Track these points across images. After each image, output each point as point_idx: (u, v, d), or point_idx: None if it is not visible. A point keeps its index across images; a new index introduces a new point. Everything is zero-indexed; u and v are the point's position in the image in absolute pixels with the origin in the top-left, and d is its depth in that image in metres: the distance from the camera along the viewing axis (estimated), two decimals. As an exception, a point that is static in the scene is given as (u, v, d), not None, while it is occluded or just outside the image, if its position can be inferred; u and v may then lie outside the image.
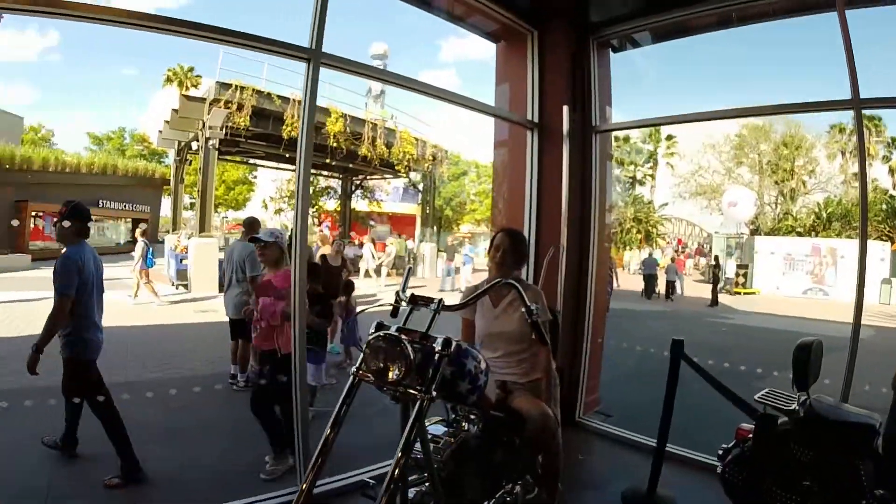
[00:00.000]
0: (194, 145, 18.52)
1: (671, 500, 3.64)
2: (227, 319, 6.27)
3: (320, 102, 17.90)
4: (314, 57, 3.51)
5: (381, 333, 1.96)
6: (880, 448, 2.48)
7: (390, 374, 1.91)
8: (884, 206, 26.88)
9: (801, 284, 21.39)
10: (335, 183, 29.38)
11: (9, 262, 17.61)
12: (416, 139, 21.68)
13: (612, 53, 5.42)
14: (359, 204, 29.45)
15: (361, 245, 20.71)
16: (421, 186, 27.42)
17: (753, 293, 21.87)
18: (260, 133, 17.84)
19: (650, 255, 22.82)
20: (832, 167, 31.76)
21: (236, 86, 16.46)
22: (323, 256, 8.27)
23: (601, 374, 5.61)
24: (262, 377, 4.14)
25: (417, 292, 2.22)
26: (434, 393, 1.92)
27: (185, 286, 14.77)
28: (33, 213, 22.32)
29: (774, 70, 34.88)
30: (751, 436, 2.83)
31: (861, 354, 3.77)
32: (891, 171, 31.10)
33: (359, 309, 7.13)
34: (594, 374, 5.41)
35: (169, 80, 33.60)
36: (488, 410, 2.52)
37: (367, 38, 43.61)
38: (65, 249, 3.78)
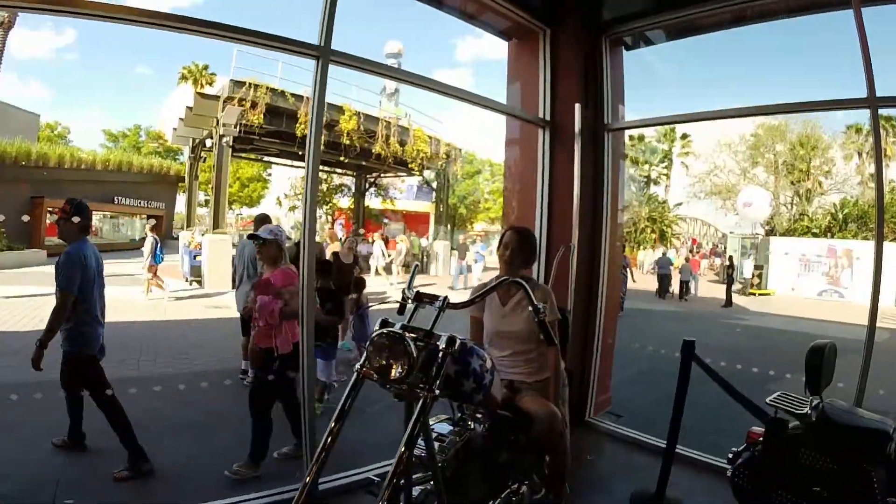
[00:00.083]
0: (209, 143, 18.61)
1: (679, 503, 3.60)
2: (238, 315, 6.29)
3: (335, 100, 18.13)
4: (323, 54, 3.52)
5: (385, 331, 1.95)
6: (894, 454, 2.44)
7: (393, 372, 1.89)
8: (901, 208, 26.47)
9: (817, 286, 21.11)
10: (349, 181, 29.42)
11: (24, 258, 17.75)
12: (430, 137, 21.65)
13: (624, 51, 5.37)
14: (372, 202, 29.49)
15: (373, 242, 20.72)
16: (435, 184, 27.41)
17: (768, 294, 21.64)
18: (274, 131, 17.89)
19: (664, 254, 22.64)
20: (848, 168, 31.35)
21: (250, 84, 16.53)
22: (335, 254, 8.29)
23: (612, 374, 5.58)
24: (258, 375, 4.15)
25: (429, 291, 2.20)
26: (437, 391, 1.90)
27: (199, 282, 14.85)
28: (49, 210, 22.50)
29: (789, 68, 34.44)
30: (761, 439, 2.80)
31: (876, 357, 3.71)
32: (908, 171, 30.61)
33: (369, 306, 7.16)
34: (605, 374, 5.37)
35: (184, 77, 33.71)
36: (494, 410, 2.50)
37: (383, 38, 43.73)
38: (67, 247, 3.82)
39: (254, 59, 22.96)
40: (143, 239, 14.07)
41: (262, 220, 6.44)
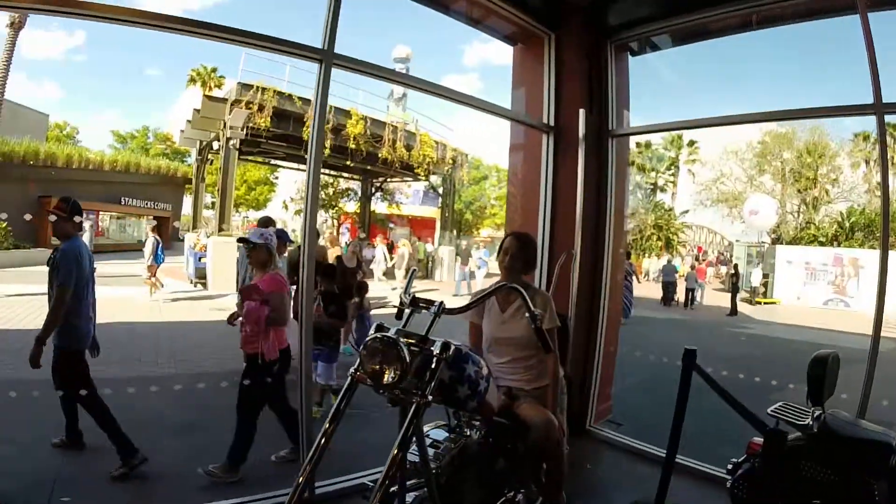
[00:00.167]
0: (215, 145, 18.70)
1: (679, 513, 3.56)
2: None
3: (343, 105, 18.14)
4: (326, 57, 3.54)
5: (379, 335, 1.93)
6: (897, 467, 2.39)
7: (386, 377, 1.88)
8: (907, 217, 26.19)
9: (823, 295, 21.00)
10: (355, 185, 29.45)
11: (30, 257, 17.80)
12: (437, 142, 21.67)
13: (630, 57, 5.35)
14: (378, 206, 29.51)
15: (376, 247, 20.72)
16: (441, 190, 27.41)
17: (774, 303, 21.53)
18: (280, 134, 17.90)
19: (669, 261, 22.56)
20: (856, 176, 31.14)
21: (258, 87, 16.58)
22: (338, 257, 8.30)
23: (614, 382, 5.54)
24: (244, 381, 4.10)
25: (431, 297, 2.19)
26: (431, 396, 1.88)
27: (203, 284, 14.87)
28: (46, 210, 22.48)
29: (795, 74, 34.24)
30: (761, 451, 2.75)
31: (880, 367, 3.66)
32: (915, 179, 30.37)
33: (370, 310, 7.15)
34: (606, 382, 5.33)
35: (192, 80, 33.82)
36: (489, 417, 2.47)
37: (392, 43, 43.81)
38: (61, 244, 3.89)
39: (262, 63, 23.12)
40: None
41: (266, 223, 6.44)
